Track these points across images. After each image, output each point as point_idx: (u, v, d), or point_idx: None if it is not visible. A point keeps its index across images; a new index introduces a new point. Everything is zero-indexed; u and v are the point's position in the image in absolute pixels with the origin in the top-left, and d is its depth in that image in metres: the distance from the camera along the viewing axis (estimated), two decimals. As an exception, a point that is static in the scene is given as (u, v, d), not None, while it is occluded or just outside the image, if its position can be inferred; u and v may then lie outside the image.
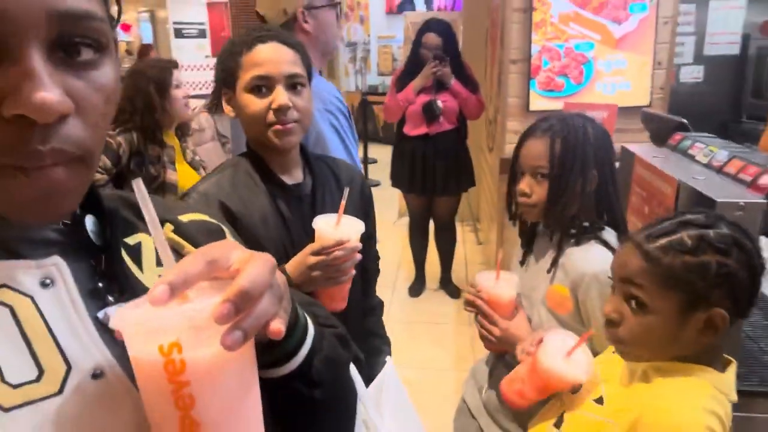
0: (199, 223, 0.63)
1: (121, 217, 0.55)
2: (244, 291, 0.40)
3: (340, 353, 0.62)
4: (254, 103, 1.15)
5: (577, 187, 1.28)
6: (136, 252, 0.55)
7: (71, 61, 0.43)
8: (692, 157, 1.52)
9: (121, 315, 0.42)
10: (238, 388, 0.43)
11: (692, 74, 3.44)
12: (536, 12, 2.82)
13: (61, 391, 0.43)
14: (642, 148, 1.68)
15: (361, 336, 1.37)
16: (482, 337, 1.35)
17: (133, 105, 2.26)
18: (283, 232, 1.18)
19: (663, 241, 0.86)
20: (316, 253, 1.09)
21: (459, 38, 4.67)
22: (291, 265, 1.13)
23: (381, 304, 1.47)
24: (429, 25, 3.45)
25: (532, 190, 1.32)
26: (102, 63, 0.45)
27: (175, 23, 12.92)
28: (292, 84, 1.16)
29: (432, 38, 3.36)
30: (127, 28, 13.44)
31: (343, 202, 1.10)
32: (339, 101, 1.58)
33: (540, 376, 1.00)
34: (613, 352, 0.99)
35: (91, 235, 0.51)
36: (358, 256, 1.14)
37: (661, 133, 1.85)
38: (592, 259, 1.29)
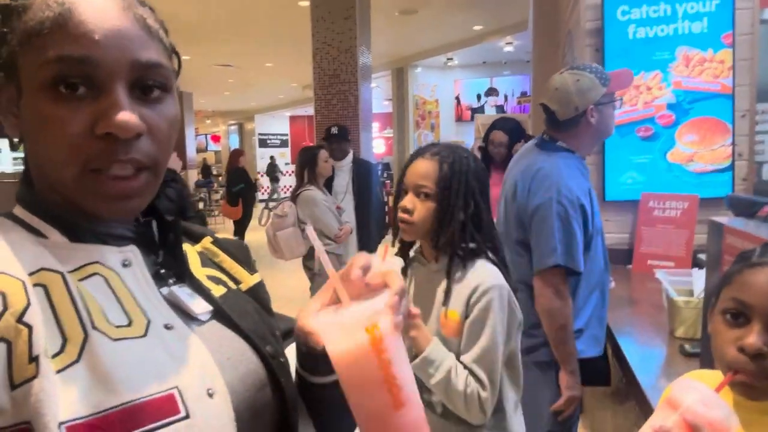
0: (230, 240, 0.80)
1: (180, 228, 0.71)
2: (402, 288, 0.61)
3: None
4: None
5: (459, 211, 1.34)
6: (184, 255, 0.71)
7: (145, 97, 0.58)
8: (786, 226, 1.47)
9: (324, 318, 0.62)
10: (404, 353, 0.61)
11: (775, 171, 3.32)
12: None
13: (145, 334, 0.57)
14: (730, 220, 1.64)
15: None
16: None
17: None
18: None
19: None
20: None
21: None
22: None
23: None
24: (495, 125, 3.64)
25: (414, 207, 1.37)
26: (166, 100, 0.60)
27: (260, 134, 14.09)
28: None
29: (498, 135, 3.53)
30: (217, 138, 14.73)
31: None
32: (576, 199, 1.78)
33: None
34: None
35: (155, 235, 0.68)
36: None
37: (747, 212, 1.80)
38: (489, 274, 1.34)
